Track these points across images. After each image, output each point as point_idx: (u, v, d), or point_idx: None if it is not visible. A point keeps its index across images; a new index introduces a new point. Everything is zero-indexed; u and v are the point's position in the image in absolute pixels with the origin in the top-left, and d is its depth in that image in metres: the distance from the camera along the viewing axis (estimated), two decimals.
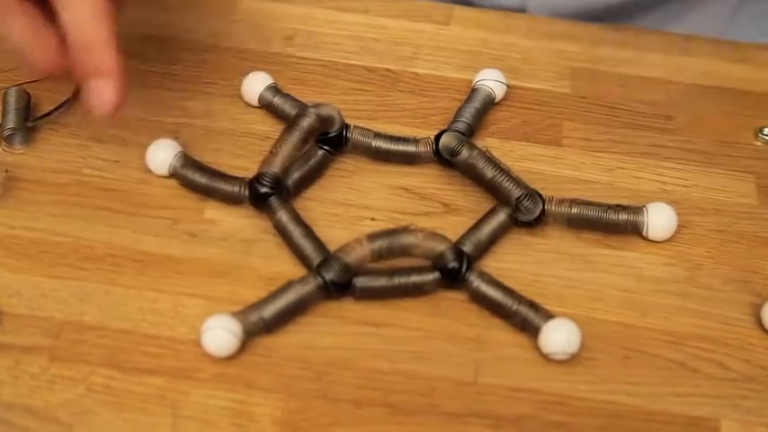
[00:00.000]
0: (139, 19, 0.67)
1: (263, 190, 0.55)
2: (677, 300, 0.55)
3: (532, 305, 0.52)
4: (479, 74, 0.63)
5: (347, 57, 0.66)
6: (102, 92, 0.48)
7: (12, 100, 0.59)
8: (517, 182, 0.56)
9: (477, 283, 0.53)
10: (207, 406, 0.49)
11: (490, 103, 0.63)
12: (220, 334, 0.50)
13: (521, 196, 0.56)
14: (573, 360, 0.51)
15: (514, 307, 0.52)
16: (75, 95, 0.61)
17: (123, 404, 0.49)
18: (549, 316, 0.52)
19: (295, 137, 0.56)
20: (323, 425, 0.49)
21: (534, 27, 0.69)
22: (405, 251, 0.53)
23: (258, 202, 0.56)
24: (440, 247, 0.53)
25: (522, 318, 0.52)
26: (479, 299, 0.53)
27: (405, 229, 0.53)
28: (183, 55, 0.65)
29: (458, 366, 0.51)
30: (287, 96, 0.61)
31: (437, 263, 0.53)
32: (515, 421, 0.50)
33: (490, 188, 0.57)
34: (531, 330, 0.52)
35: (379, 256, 0.52)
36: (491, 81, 0.62)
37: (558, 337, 0.51)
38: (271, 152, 0.56)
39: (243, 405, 0.49)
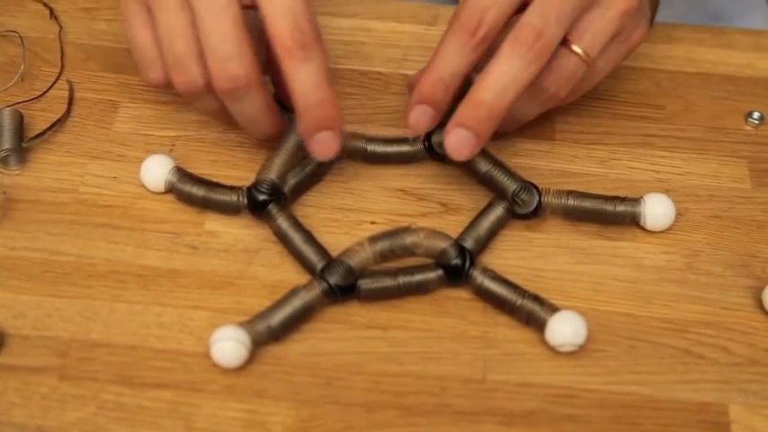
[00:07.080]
0: (125, 34, 0.66)
1: (262, 197, 0.56)
2: (678, 287, 0.55)
3: (537, 299, 0.53)
4: None
5: (337, 61, 0.66)
6: (328, 142, 0.53)
7: (5, 121, 0.59)
8: (512, 175, 0.57)
9: (480, 279, 0.53)
10: (219, 417, 0.49)
11: None
12: (229, 345, 0.50)
13: (517, 189, 0.56)
14: (580, 352, 0.52)
15: (519, 301, 0.52)
16: (68, 113, 0.61)
17: (135, 420, 0.49)
18: (554, 309, 0.52)
19: (291, 143, 0.57)
20: (336, 430, 0.49)
21: None
22: (407, 251, 0.53)
23: (257, 209, 0.56)
24: (441, 244, 0.53)
25: (528, 312, 0.52)
26: (484, 295, 0.53)
27: (406, 229, 0.53)
28: None
29: (466, 365, 0.52)
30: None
31: (440, 260, 0.53)
32: (526, 416, 0.50)
33: (486, 182, 0.58)
34: (537, 324, 0.52)
35: (381, 257, 0.53)
36: None
37: (565, 329, 0.51)
38: (267, 160, 0.56)
39: (255, 415, 0.49)
